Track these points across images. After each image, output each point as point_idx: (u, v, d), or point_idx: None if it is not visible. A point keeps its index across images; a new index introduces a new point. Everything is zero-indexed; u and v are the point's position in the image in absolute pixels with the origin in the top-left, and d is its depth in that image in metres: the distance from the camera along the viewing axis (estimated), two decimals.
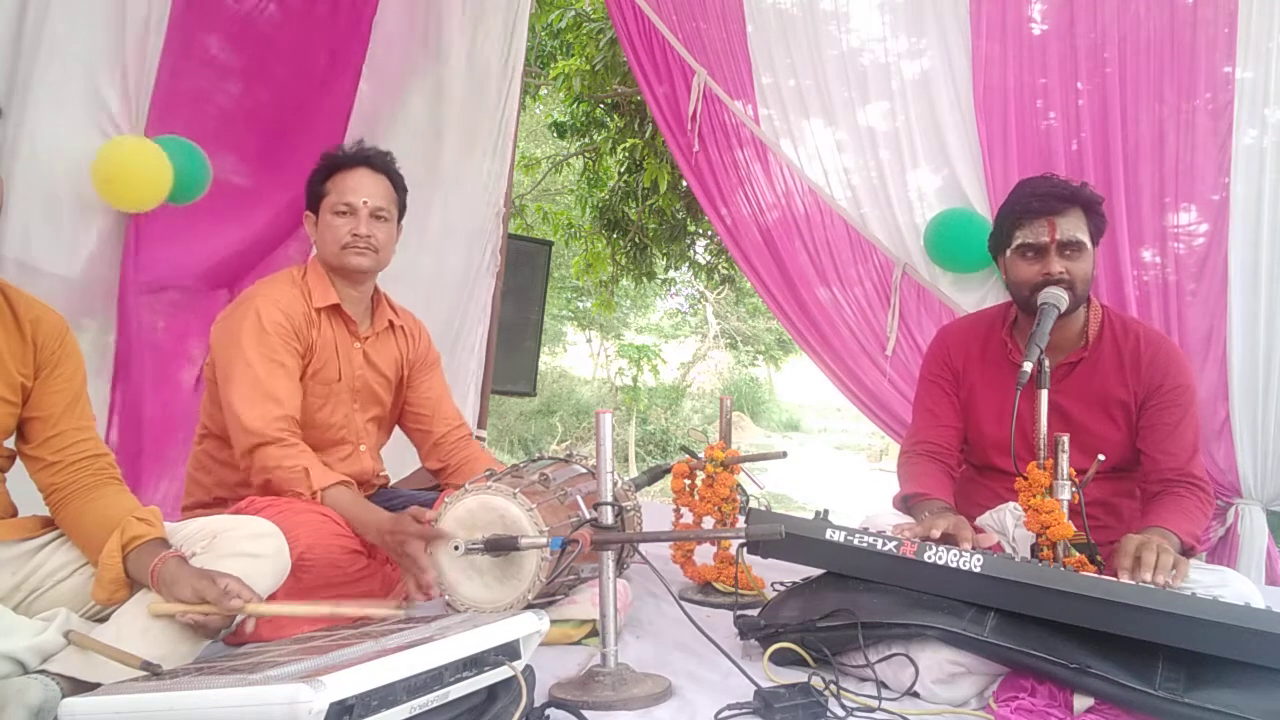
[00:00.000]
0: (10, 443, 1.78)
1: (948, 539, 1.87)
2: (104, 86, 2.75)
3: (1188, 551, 1.97)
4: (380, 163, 2.34)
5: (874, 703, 1.67)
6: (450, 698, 1.37)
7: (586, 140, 8.18)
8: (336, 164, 2.31)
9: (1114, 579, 1.73)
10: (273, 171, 3.27)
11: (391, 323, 2.47)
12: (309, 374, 2.26)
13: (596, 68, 6.67)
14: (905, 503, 2.25)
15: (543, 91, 9.10)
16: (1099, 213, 2.19)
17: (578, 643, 2.03)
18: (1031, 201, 2.18)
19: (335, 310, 2.33)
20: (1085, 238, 2.16)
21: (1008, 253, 2.23)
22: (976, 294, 3.16)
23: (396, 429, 2.61)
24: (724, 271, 8.72)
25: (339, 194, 2.28)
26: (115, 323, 2.87)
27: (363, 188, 2.28)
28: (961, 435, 2.38)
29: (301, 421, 2.21)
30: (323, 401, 2.30)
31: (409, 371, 2.51)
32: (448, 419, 2.54)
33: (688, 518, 2.51)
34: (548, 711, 1.60)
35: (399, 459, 2.80)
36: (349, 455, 2.38)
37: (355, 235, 2.25)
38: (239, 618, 1.57)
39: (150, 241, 2.93)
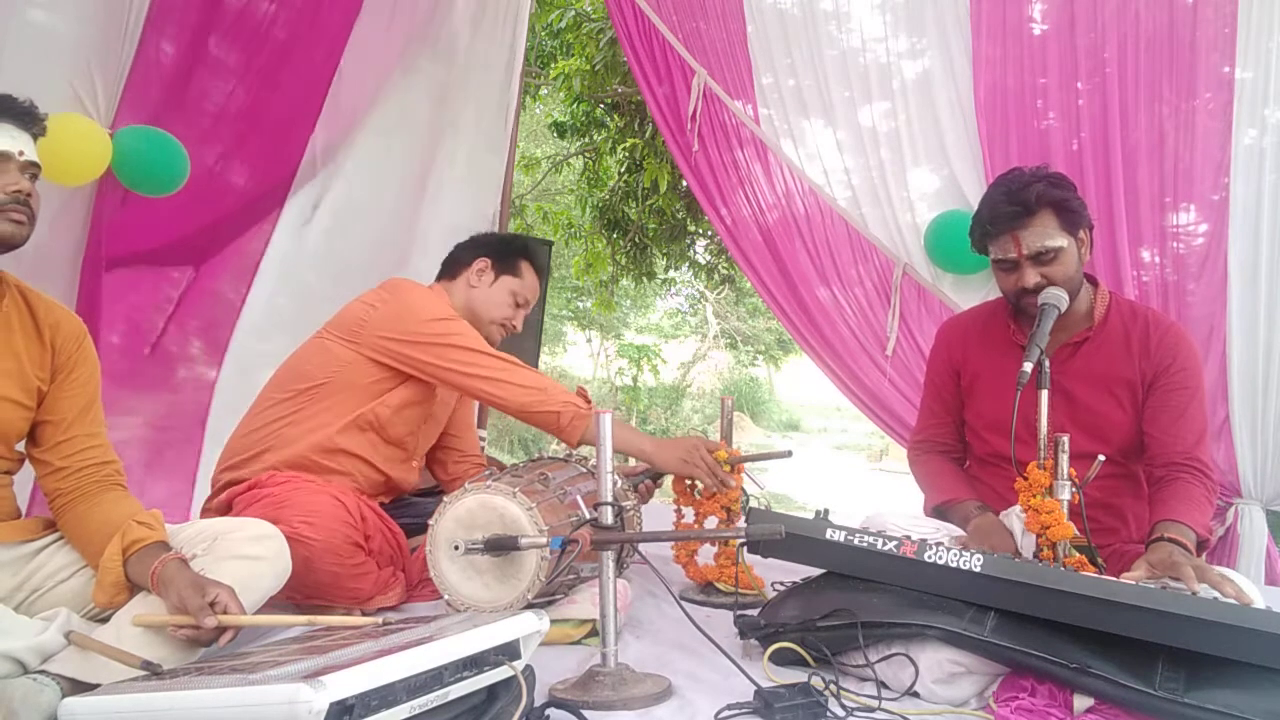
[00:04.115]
0: (20, 446, 1.78)
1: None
2: (77, 75, 2.75)
3: (1202, 544, 1.97)
4: None
5: (874, 703, 1.67)
6: (450, 697, 1.37)
7: (586, 140, 8.17)
8: (533, 256, 2.63)
9: (1114, 579, 1.73)
10: (244, 161, 3.30)
11: None
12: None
13: (596, 68, 6.65)
14: (937, 511, 2.30)
15: (543, 91, 9.08)
16: (1072, 207, 2.11)
17: (578, 642, 2.03)
18: (988, 222, 2.14)
19: None
20: (1058, 240, 2.09)
21: (989, 260, 2.23)
22: (978, 295, 3.15)
23: None
24: (724, 271, 8.71)
25: (527, 287, 2.59)
26: (76, 296, 2.85)
27: (534, 294, 2.61)
28: (961, 429, 2.43)
29: (398, 428, 2.37)
30: (427, 412, 2.47)
31: (456, 403, 2.72)
32: (470, 443, 2.79)
33: (689, 518, 2.51)
34: (548, 711, 1.60)
35: None
36: (405, 461, 2.48)
37: (513, 324, 2.59)
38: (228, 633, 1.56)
39: (118, 218, 2.95)
